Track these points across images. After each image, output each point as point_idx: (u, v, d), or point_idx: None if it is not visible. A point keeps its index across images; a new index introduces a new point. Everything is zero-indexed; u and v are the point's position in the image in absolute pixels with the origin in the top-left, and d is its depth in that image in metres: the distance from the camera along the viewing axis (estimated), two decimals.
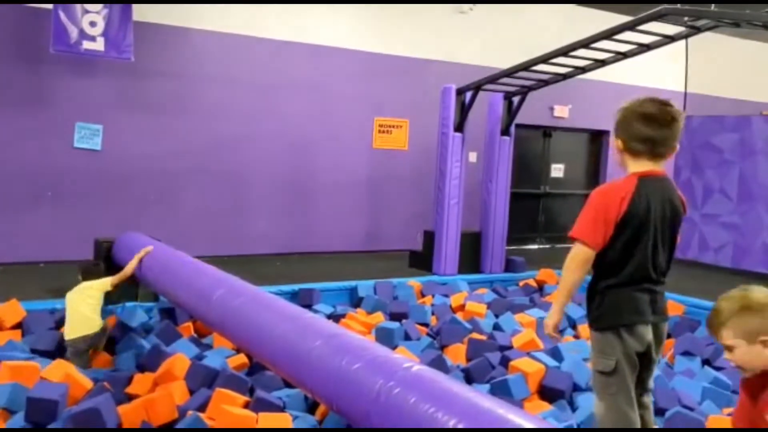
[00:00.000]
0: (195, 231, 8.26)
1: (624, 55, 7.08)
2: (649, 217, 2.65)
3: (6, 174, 7.49)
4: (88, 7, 7.32)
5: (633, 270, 2.68)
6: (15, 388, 3.81)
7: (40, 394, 3.61)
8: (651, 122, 2.60)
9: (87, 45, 7.34)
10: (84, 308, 4.77)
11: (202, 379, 4.25)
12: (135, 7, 7.61)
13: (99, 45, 7.40)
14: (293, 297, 6.23)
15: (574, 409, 4.31)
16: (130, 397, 4.12)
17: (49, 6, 7.15)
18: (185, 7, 8.27)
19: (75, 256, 7.14)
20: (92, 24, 7.36)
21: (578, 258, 2.68)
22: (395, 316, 6.02)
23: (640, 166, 2.70)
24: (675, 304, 6.53)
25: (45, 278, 6.67)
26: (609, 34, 6.41)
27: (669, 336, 5.83)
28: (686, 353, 5.33)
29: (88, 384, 4.16)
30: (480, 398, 2.64)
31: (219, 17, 8.49)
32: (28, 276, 6.46)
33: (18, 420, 3.60)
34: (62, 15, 7.18)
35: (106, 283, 5.02)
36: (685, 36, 6.73)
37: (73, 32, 7.26)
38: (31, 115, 7.56)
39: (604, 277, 2.73)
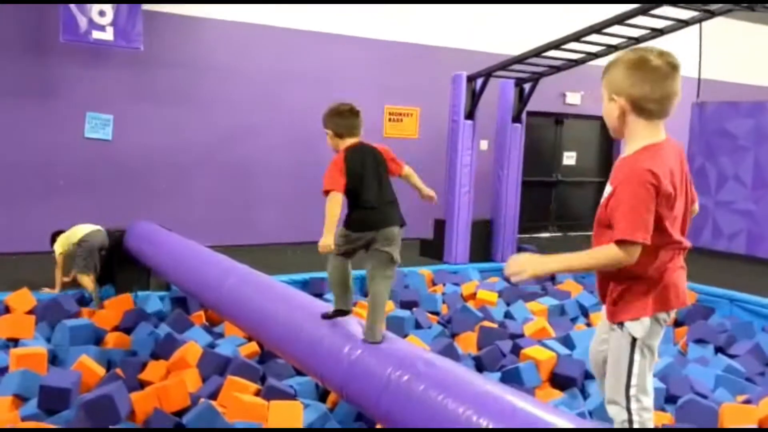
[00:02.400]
0: (205, 220, 8.28)
1: (637, 40, 6.99)
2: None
3: (18, 164, 7.53)
4: None
5: None
6: (25, 375, 3.84)
7: (53, 382, 3.64)
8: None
9: (96, 35, 7.34)
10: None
11: (214, 367, 4.27)
12: None
13: (108, 34, 7.41)
14: (304, 286, 6.25)
15: (585, 396, 4.29)
16: (142, 384, 4.15)
17: None
18: None
19: None
20: (101, 13, 7.36)
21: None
22: (406, 305, 6.00)
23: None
24: (688, 292, 6.47)
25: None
26: (621, 19, 6.34)
27: (682, 323, 5.82)
28: (699, 341, 5.30)
29: (101, 371, 4.19)
30: (490, 386, 2.63)
31: (229, 6, 8.46)
32: (40, 265, 6.49)
33: (31, 407, 3.63)
34: (71, 5, 7.18)
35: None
36: (699, 20, 6.65)
37: (83, 22, 7.26)
38: (42, 106, 7.58)
39: None
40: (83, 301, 5.63)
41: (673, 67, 2.15)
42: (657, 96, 2.12)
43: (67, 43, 7.30)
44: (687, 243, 2.29)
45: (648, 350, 2.28)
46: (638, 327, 2.24)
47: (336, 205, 3.14)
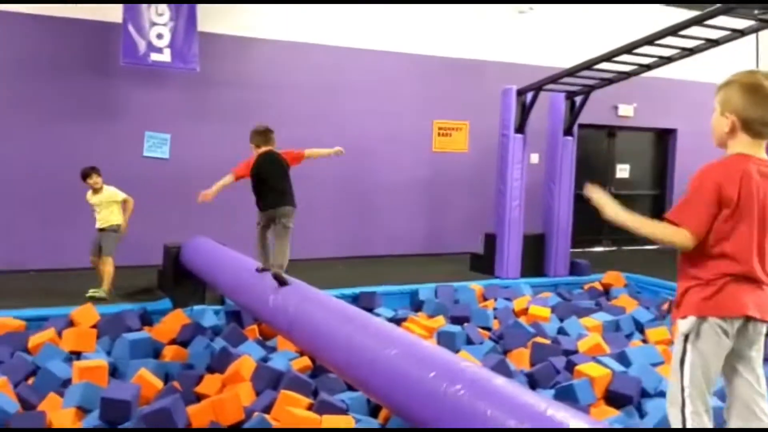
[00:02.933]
0: None
1: (691, 51, 6.87)
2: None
3: (80, 183, 7.80)
4: (156, 19, 7.56)
5: None
6: (87, 388, 3.97)
7: (114, 395, 3.75)
8: None
9: (154, 57, 7.58)
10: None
11: (268, 381, 4.33)
12: (200, 17, 7.82)
13: (166, 56, 7.64)
14: (354, 300, 6.28)
15: (642, 415, 4.20)
16: (199, 397, 4.24)
17: (119, 20, 7.42)
18: (248, 17, 8.47)
19: (145, 261, 7.39)
20: (159, 36, 7.60)
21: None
22: (457, 320, 5.99)
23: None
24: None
25: (117, 282, 6.91)
26: (675, 30, 6.23)
27: None
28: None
29: (159, 384, 4.29)
30: (545, 404, 2.61)
31: (279, 26, 8.65)
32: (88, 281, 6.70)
33: (93, 419, 3.75)
34: (131, 28, 7.44)
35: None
36: (755, 30, 6.50)
37: (141, 45, 7.52)
38: (102, 126, 7.86)
39: None
40: (145, 316, 5.78)
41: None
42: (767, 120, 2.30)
43: (127, 66, 7.56)
44: (755, 270, 2.35)
45: (700, 354, 2.33)
46: (685, 324, 2.36)
47: (229, 178, 5.58)
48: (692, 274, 2.39)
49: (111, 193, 6.82)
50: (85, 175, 6.67)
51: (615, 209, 2.54)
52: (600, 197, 2.57)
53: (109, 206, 6.75)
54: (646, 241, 2.53)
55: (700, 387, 2.32)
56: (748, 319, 2.37)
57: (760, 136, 2.36)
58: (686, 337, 2.35)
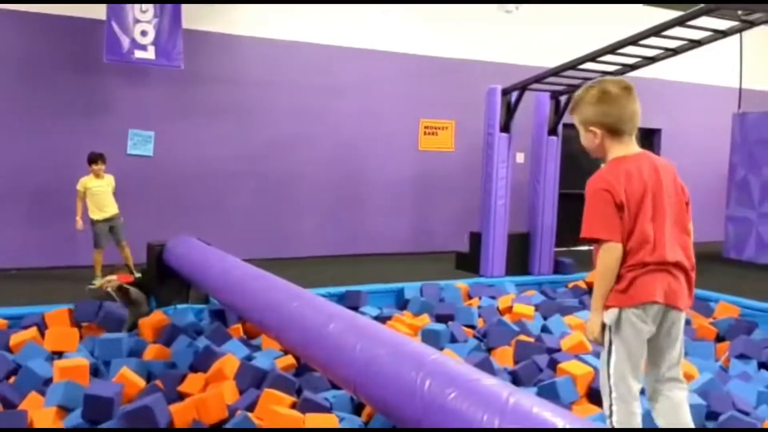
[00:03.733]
0: (244, 234, 8.40)
1: (674, 52, 6.93)
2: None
3: (63, 181, 7.75)
4: (140, 16, 7.52)
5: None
6: (69, 386, 3.94)
7: (96, 392, 3.73)
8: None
9: (138, 54, 7.55)
10: None
11: (251, 380, 4.32)
12: (184, 15, 7.78)
13: (150, 53, 7.60)
14: (340, 299, 6.28)
15: None
16: (182, 396, 4.22)
17: (103, 17, 7.37)
18: (234, 14, 8.44)
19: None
20: (143, 33, 7.56)
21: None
22: (442, 318, 6.00)
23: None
24: (730, 306, 6.35)
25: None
26: (658, 31, 6.28)
27: (723, 338, 5.70)
28: (741, 356, 5.18)
29: (142, 383, 4.27)
30: (527, 400, 2.62)
31: (266, 23, 8.63)
32: (83, 279, 6.66)
33: (75, 417, 3.72)
34: (115, 25, 7.40)
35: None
36: (738, 30, 6.56)
37: (125, 42, 7.47)
38: (86, 124, 7.81)
39: None
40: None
41: (628, 89, 2.55)
42: (625, 117, 2.55)
43: (111, 63, 7.51)
44: (669, 256, 2.50)
45: (622, 342, 2.48)
46: (608, 316, 2.50)
47: None
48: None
49: (110, 179, 7.09)
50: (95, 159, 6.89)
51: (591, 320, 2.60)
52: (590, 336, 2.63)
53: (109, 193, 7.01)
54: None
55: (623, 373, 2.46)
56: (665, 306, 2.51)
57: (625, 133, 2.57)
58: (609, 328, 2.50)
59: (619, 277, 2.50)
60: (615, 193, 2.50)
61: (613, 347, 2.49)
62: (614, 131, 2.57)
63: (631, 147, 2.64)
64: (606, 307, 2.50)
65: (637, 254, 2.48)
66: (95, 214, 6.97)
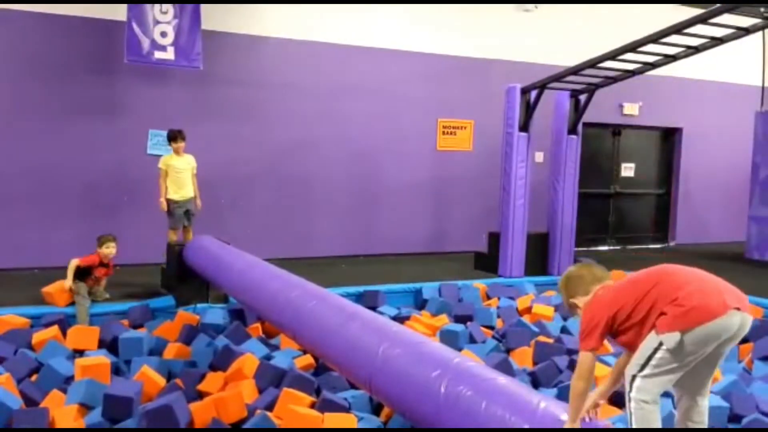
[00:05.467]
0: (262, 234, 8.42)
1: (696, 49, 6.85)
2: None
3: (85, 180, 7.83)
4: (159, 17, 7.57)
5: None
6: (90, 385, 3.98)
7: (116, 392, 3.76)
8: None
9: (158, 55, 7.59)
10: None
11: (270, 379, 4.34)
12: (203, 16, 7.82)
13: (170, 54, 7.65)
14: (358, 299, 6.28)
15: None
16: (201, 395, 4.24)
17: (124, 18, 7.43)
18: (252, 15, 8.47)
19: (149, 260, 7.40)
20: (163, 34, 7.61)
21: None
22: (460, 319, 5.99)
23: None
24: (753, 308, 6.27)
25: (121, 281, 6.93)
26: (680, 28, 6.21)
27: (747, 340, 5.62)
28: (765, 358, 5.11)
29: (162, 382, 4.30)
30: (548, 403, 2.60)
31: (284, 24, 8.64)
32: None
33: (95, 415, 3.76)
34: (135, 26, 7.45)
35: None
36: (761, 28, 6.47)
37: (145, 43, 7.52)
38: (106, 124, 7.87)
39: None
40: (148, 314, 5.79)
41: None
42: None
43: (131, 64, 7.57)
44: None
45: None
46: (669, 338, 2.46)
47: None
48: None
49: (191, 159, 7.02)
50: (174, 136, 6.85)
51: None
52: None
53: (188, 173, 6.94)
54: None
55: (653, 382, 2.47)
56: None
57: (599, 282, 2.78)
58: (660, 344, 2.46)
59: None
60: (615, 312, 2.64)
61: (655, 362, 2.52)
62: (589, 290, 2.79)
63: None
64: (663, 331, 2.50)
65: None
66: (173, 194, 6.82)
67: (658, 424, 2.50)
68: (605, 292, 2.72)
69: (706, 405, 2.71)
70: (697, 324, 2.40)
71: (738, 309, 2.44)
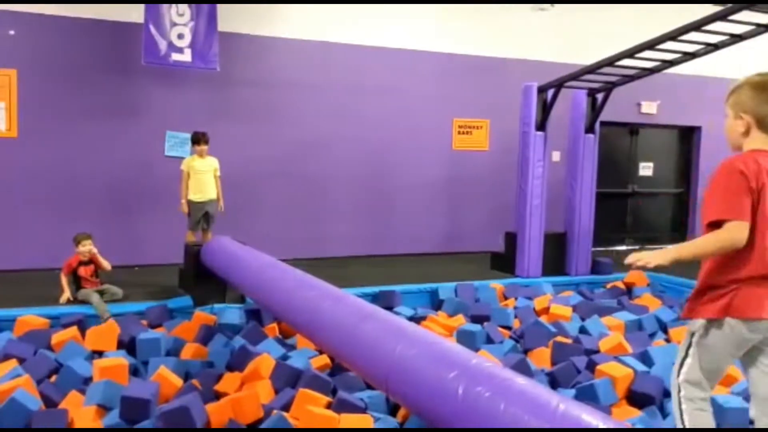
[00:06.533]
0: (277, 234, 8.44)
1: (715, 47, 6.76)
2: None
3: (103, 182, 7.89)
4: (176, 19, 7.62)
5: None
6: (108, 386, 4.00)
7: (134, 393, 3.77)
8: None
9: (175, 56, 7.64)
10: None
11: (287, 379, 4.34)
12: (220, 17, 7.86)
13: (186, 56, 7.69)
14: (374, 299, 6.27)
15: (665, 415, 4.14)
16: (218, 395, 4.25)
17: (141, 21, 7.48)
18: (269, 16, 8.49)
19: (168, 260, 7.45)
20: (180, 36, 7.65)
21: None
22: (477, 319, 5.96)
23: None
24: None
25: (140, 281, 6.99)
26: (698, 25, 6.13)
27: None
28: None
29: (179, 382, 4.31)
30: (565, 403, 2.58)
31: (300, 25, 8.66)
32: (123, 279, 6.75)
33: (113, 417, 3.78)
34: (152, 28, 7.50)
35: None
36: None
37: (162, 44, 7.57)
38: (124, 126, 7.93)
39: None
40: (166, 314, 5.83)
41: None
42: None
43: (149, 66, 7.62)
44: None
45: (707, 349, 2.36)
46: (697, 324, 2.37)
47: None
48: (712, 276, 2.36)
49: (214, 161, 7.05)
50: (198, 139, 6.90)
51: (664, 254, 2.46)
52: (644, 259, 2.46)
53: (210, 175, 6.99)
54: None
55: (698, 377, 2.35)
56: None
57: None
58: (693, 334, 2.38)
59: (724, 285, 2.32)
60: (750, 177, 2.29)
61: (694, 352, 2.44)
62: (765, 126, 2.37)
63: None
64: (698, 317, 2.38)
65: (751, 262, 2.30)
66: (193, 195, 6.90)
67: None
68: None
69: None
70: None
71: None
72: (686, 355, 2.35)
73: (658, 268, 2.45)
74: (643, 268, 2.46)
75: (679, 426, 2.33)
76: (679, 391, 2.35)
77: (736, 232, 2.25)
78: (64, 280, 6.04)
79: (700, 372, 2.34)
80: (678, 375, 2.34)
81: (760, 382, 2.43)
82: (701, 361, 2.33)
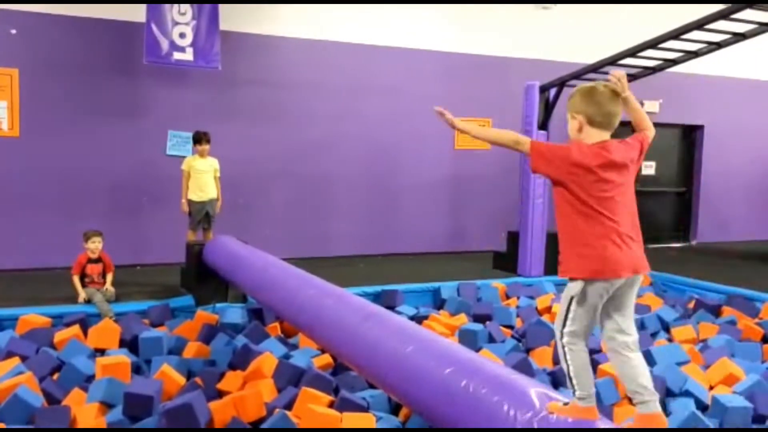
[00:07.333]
0: (280, 233, 8.45)
1: (718, 45, 6.76)
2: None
3: (105, 181, 7.90)
4: (178, 18, 7.62)
5: None
6: (111, 383, 4.01)
7: (137, 390, 3.78)
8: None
9: (177, 55, 7.64)
10: None
11: (289, 378, 4.34)
12: (222, 16, 7.86)
13: (188, 55, 7.69)
14: (376, 298, 6.27)
15: (667, 414, 4.14)
16: (220, 394, 4.26)
17: (142, 20, 7.48)
18: (270, 15, 8.50)
19: (169, 259, 7.46)
20: (182, 35, 7.66)
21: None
22: (479, 318, 5.96)
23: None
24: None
25: (141, 280, 6.99)
26: (701, 24, 6.13)
27: None
28: None
29: (182, 380, 4.32)
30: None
31: (302, 24, 8.66)
32: (126, 278, 6.76)
33: (116, 414, 3.78)
34: (154, 27, 7.50)
35: None
36: None
37: (164, 44, 7.58)
38: (126, 125, 7.94)
39: None
40: (168, 313, 5.83)
41: (614, 93, 2.79)
42: (603, 113, 2.79)
43: (150, 65, 7.62)
44: (621, 227, 2.67)
45: (584, 310, 2.61)
46: (574, 286, 2.60)
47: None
48: (575, 238, 2.63)
49: (214, 162, 7.08)
50: (199, 138, 6.92)
51: (458, 123, 3.06)
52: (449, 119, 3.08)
53: (210, 175, 7.00)
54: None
55: (579, 330, 2.60)
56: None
57: (602, 126, 2.80)
58: (572, 297, 2.59)
59: (586, 245, 2.62)
60: (580, 154, 2.71)
61: (573, 311, 2.65)
62: (594, 123, 2.82)
63: (606, 138, 2.83)
64: (572, 278, 2.62)
65: (606, 223, 2.64)
66: (194, 195, 6.92)
67: None
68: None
69: None
70: None
71: None
72: (567, 312, 2.58)
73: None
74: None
75: (565, 367, 2.59)
76: (564, 345, 2.60)
77: (523, 142, 2.84)
78: (76, 281, 5.96)
79: (580, 326, 2.59)
80: (562, 335, 2.59)
81: (605, 323, 2.71)
82: (581, 317, 2.58)
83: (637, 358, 2.68)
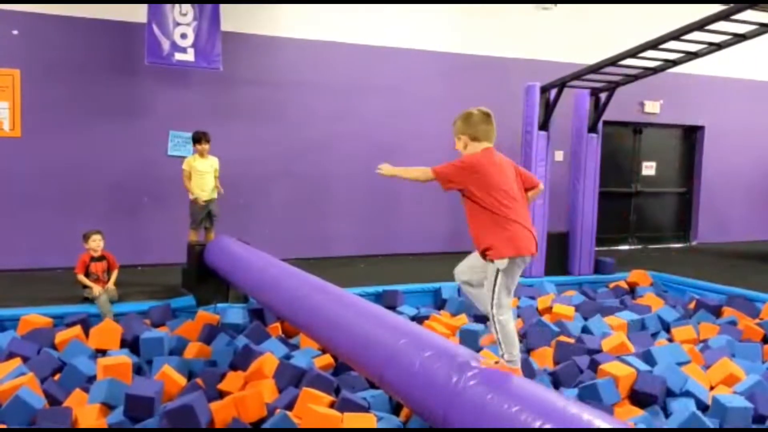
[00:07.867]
0: (280, 234, 8.45)
1: (718, 46, 6.76)
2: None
3: (107, 181, 7.90)
4: (179, 19, 7.63)
5: None
6: (112, 384, 4.02)
7: (138, 391, 3.79)
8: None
9: (178, 56, 7.65)
10: None
11: (290, 378, 4.35)
12: (223, 17, 7.87)
13: (189, 56, 7.70)
14: (377, 298, 6.28)
15: (667, 414, 4.15)
16: (221, 394, 4.26)
17: (144, 20, 7.49)
18: (270, 16, 8.50)
19: (170, 260, 7.47)
20: (183, 36, 7.66)
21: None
22: (480, 318, 5.96)
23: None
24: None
25: (142, 280, 7.00)
26: (701, 25, 6.12)
27: None
28: None
29: (183, 381, 4.33)
30: (562, 400, 2.58)
31: (303, 25, 8.67)
32: (127, 279, 6.76)
33: (117, 415, 3.79)
34: (155, 28, 7.51)
35: None
36: None
37: (166, 44, 7.58)
38: (128, 125, 7.94)
39: None
40: (169, 313, 5.84)
41: (486, 114, 3.47)
42: (480, 130, 3.45)
43: (152, 65, 7.63)
44: (514, 214, 3.27)
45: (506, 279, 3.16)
46: (501, 263, 3.14)
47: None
48: (498, 225, 3.25)
49: (214, 161, 7.09)
50: (199, 138, 6.93)
51: (389, 169, 3.72)
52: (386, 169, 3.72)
53: (211, 174, 7.01)
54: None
55: (503, 301, 3.12)
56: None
57: (481, 140, 3.45)
58: (498, 271, 3.12)
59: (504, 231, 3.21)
60: (469, 165, 3.40)
61: (499, 282, 3.17)
62: (475, 139, 3.47)
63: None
64: (499, 257, 3.15)
65: (508, 215, 3.24)
66: (195, 195, 6.92)
67: None
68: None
69: None
70: None
71: None
72: (495, 287, 3.09)
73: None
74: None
75: (495, 335, 3.07)
76: (494, 316, 3.08)
77: (430, 171, 3.53)
78: (82, 278, 5.98)
79: (506, 297, 3.11)
80: (492, 307, 3.08)
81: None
82: (505, 288, 3.11)
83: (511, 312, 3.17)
